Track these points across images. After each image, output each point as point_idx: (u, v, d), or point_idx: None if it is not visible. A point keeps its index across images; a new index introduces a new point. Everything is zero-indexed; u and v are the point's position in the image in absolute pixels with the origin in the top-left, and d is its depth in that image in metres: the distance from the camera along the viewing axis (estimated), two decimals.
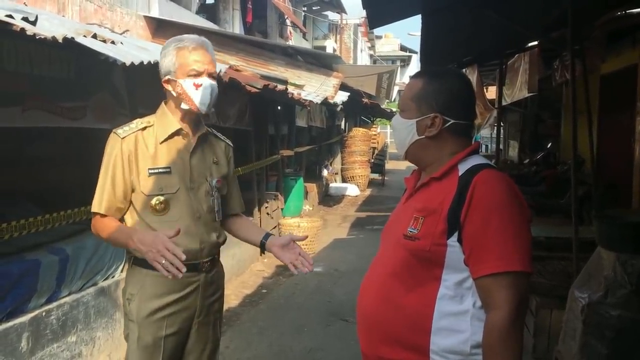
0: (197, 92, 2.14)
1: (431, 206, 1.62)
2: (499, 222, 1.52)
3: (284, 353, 4.47)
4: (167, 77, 2.18)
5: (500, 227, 1.52)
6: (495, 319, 1.50)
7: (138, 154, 2.17)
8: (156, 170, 2.17)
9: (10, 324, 3.24)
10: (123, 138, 2.16)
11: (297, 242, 2.27)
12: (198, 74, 2.14)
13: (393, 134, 1.84)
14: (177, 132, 2.22)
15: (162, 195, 2.16)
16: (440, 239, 1.57)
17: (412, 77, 1.79)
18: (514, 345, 1.50)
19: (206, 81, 2.15)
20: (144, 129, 2.21)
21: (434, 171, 1.69)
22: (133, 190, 2.18)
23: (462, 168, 1.64)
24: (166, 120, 2.23)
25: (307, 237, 2.48)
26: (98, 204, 2.17)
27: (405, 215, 1.69)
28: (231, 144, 2.49)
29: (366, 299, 1.74)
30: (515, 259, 1.51)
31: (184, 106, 2.18)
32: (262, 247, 2.34)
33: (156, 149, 2.19)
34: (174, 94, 2.18)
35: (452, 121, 1.67)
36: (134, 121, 2.24)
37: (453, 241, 1.57)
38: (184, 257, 1.89)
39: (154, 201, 2.15)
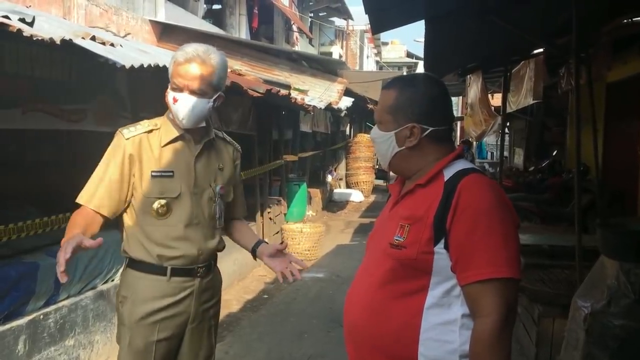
0: (174, 106, 2.14)
1: (417, 214, 1.58)
2: (485, 227, 1.49)
3: (283, 359, 4.44)
4: (168, 84, 2.19)
5: (487, 233, 1.48)
6: (482, 327, 1.46)
7: (142, 156, 2.16)
8: (159, 174, 2.16)
9: (8, 326, 3.23)
10: (127, 139, 2.16)
11: (288, 250, 2.35)
12: (178, 89, 2.13)
13: (374, 148, 1.79)
14: (181, 137, 2.22)
15: (163, 198, 2.15)
16: (427, 247, 1.54)
17: (383, 88, 1.74)
18: (502, 354, 1.45)
19: (184, 97, 2.13)
20: (150, 131, 2.20)
21: (419, 178, 1.65)
22: (133, 193, 2.18)
23: (448, 174, 1.60)
24: (170, 124, 2.23)
25: (286, 245, 2.42)
26: (88, 197, 2.13)
27: (391, 224, 1.65)
28: (239, 148, 2.48)
29: (353, 309, 1.71)
30: (503, 265, 1.47)
31: (170, 115, 2.21)
32: (253, 254, 2.39)
33: (161, 152, 2.19)
34: (166, 102, 2.20)
35: (430, 129, 1.63)
36: (142, 122, 2.24)
37: (440, 248, 1.53)
38: (62, 269, 1.77)
39: (155, 204, 2.15)
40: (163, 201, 2.15)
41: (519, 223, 1.60)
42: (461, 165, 1.63)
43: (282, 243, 2.39)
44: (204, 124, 2.26)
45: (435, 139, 1.65)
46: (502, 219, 1.51)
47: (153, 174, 2.15)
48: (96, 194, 2.14)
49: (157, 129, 2.21)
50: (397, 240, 1.59)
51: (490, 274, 1.46)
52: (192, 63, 2.12)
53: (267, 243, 2.40)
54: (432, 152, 1.65)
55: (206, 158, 2.28)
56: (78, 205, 2.17)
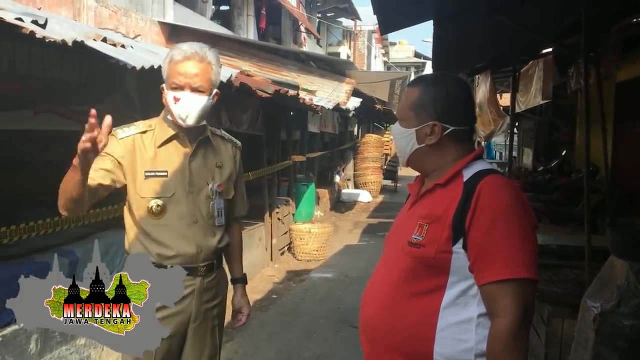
0: (176, 106, 2.13)
1: (436, 213, 1.59)
2: (504, 228, 1.50)
3: (292, 359, 4.45)
4: (162, 85, 2.18)
5: (506, 233, 1.50)
6: (500, 327, 1.48)
7: (136, 157, 2.17)
8: (152, 174, 2.17)
9: (20, 326, 3.26)
10: (121, 139, 2.17)
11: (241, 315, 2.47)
12: (179, 88, 2.12)
13: (394, 143, 1.82)
14: (175, 137, 2.22)
15: (158, 198, 2.16)
16: (446, 246, 1.55)
17: (408, 85, 1.78)
18: (518, 354, 1.47)
19: (186, 95, 2.12)
20: (144, 132, 2.21)
21: (438, 177, 1.66)
22: (126, 193, 2.20)
23: (467, 174, 1.62)
24: (165, 124, 2.23)
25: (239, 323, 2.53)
26: None
27: (410, 222, 1.66)
28: (239, 144, 2.46)
29: (369, 307, 1.72)
30: (521, 265, 1.48)
31: (169, 117, 2.20)
32: (232, 283, 2.50)
33: (155, 153, 2.19)
34: (164, 102, 2.19)
35: (451, 128, 1.65)
36: (137, 123, 2.25)
37: (458, 248, 1.54)
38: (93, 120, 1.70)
39: (151, 204, 2.16)
40: (159, 201, 2.15)
41: (537, 224, 1.61)
42: (480, 165, 1.64)
43: (239, 317, 2.48)
44: (203, 122, 2.25)
45: (456, 138, 1.67)
46: (520, 220, 1.52)
47: (147, 174, 2.16)
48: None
49: (151, 130, 2.22)
50: (415, 238, 1.60)
51: (507, 275, 1.48)
52: (191, 60, 2.12)
53: (243, 284, 2.52)
54: (452, 152, 1.67)
55: (202, 156, 2.27)
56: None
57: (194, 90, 2.12)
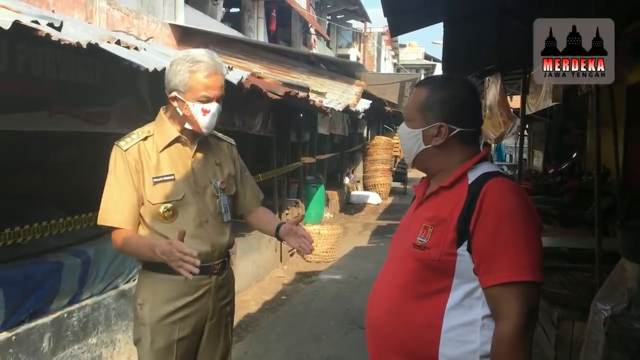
0: (204, 118, 2.17)
1: (441, 215, 1.60)
2: (509, 231, 1.50)
3: None
4: (174, 94, 2.17)
5: (511, 236, 1.50)
6: (504, 329, 1.48)
7: (143, 164, 2.19)
8: (159, 179, 2.19)
9: (33, 324, 3.31)
10: (126, 150, 2.18)
11: (299, 225, 2.30)
12: (208, 100, 2.16)
13: (400, 143, 1.83)
14: (177, 140, 2.24)
15: (169, 202, 2.18)
16: (450, 249, 1.55)
17: (416, 86, 1.78)
18: (523, 356, 1.47)
19: (214, 107, 2.18)
20: (145, 139, 2.23)
21: (443, 179, 1.67)
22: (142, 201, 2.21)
23: (472, 176, 1.62)
24: (165, 128, 2.25)
25: (300, 219, 2.36)
26: (120, 218, 2.17)
27: (415, 224, 1.67)
28: (233, 143, 2.49)
29: (375, 309, 1.73)
30: (525, 268, 1.49)
31: (187, 126, 2.21)
32: (278, 239, 2.38)
33: (158, 158, 2.21)
34: (180, 112, 2.19)
35: (458, 129, 1.65)
36: (134, 132, 2.26)
37: (463, 250, 1.55)
38: (196, 254, 1.90)
39: (162, 209, 2.17)
40: (169, 205, 2.18)
41: (542, 226, 1.61)
42: (486, 168, 1.65)
43: (296, 217, 2.40)
44: None
45: (462, 140, 1.67)
46: (525, 223, 1.53)
47: (155, 180, 2.18)
48: (127, 214, 2.17)
49: (151, 136, 2.24)
50: (420, 241, 1.61)
51: (512, 277, 1.48)
52: (216, 73, 2.17)
53: (285, 223, 2.36)
54: (458, 153, 1.67)
55: (202, 156, 2.30)
56: (99, 202, 2.21)
57: (218, 100, 2.20)
